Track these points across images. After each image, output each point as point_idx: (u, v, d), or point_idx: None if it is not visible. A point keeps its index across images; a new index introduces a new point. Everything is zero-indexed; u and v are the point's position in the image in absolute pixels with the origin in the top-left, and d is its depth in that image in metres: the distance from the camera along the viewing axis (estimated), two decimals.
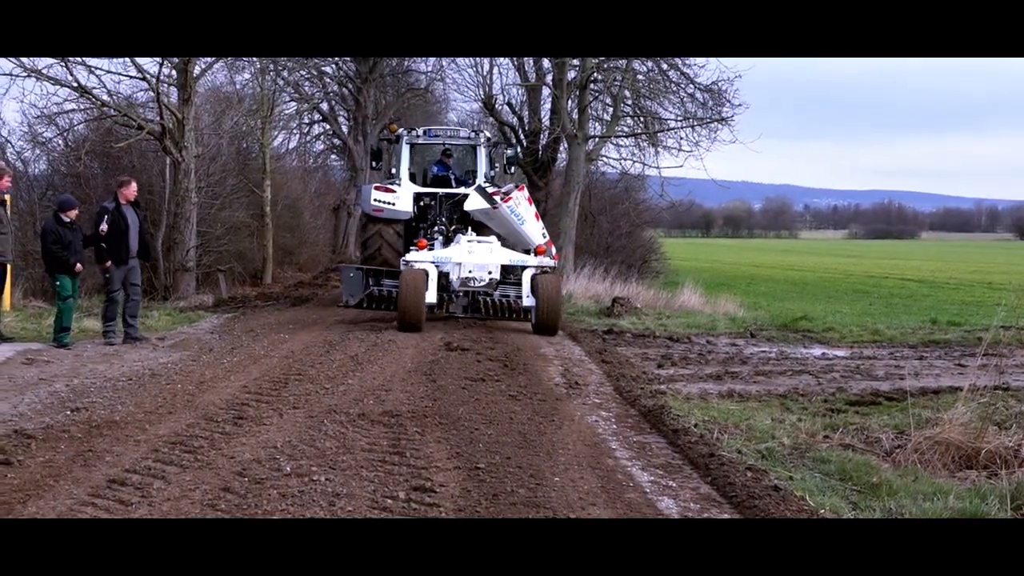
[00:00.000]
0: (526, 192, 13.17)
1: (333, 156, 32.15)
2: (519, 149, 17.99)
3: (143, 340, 9.43)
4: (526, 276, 11.47)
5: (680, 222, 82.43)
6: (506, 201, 12.67)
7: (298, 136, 29.62)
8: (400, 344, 9.39)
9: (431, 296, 11.10)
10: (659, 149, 19.68)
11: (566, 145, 20.45)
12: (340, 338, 9.90)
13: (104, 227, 9.28)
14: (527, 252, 12.25)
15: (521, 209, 12.68)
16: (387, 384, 7.14)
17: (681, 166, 21.51)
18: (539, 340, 10.63)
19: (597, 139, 19.59)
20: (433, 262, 11.46)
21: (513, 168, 15.36)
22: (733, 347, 10.94)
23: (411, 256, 11.60)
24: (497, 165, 14.82)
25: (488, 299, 12.03)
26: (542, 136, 21.66)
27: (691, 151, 19.33)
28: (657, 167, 20.17)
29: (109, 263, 9.36)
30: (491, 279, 11.61)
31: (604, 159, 21.34)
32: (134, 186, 9.64)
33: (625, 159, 21.12)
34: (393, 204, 13.35)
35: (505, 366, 8.30)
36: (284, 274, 22.38)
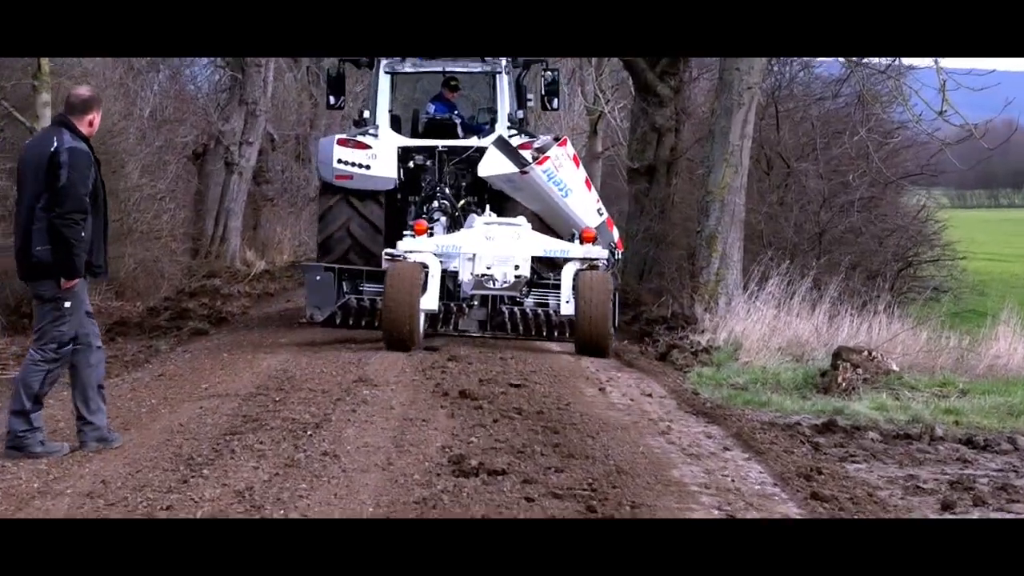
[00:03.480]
0: (570, 147, 17.11)
1: None
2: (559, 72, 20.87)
3: (112, 441, 10.36)
4: (567, 273, 16.37)
5: (988, 174, 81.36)
6: (540, 163, 16.57)
7: None
8: (349, 461, 9.68)
9: (430, 301, 16.00)
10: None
11: None
12: (207, 462, 10.03)
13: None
14: (572, 238, 16.94)
15: (564, 174, 16.68)
16: None
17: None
18: (669, 450, 11.07)
19: None
20: (435, 253, 16.22)
21: (556, 102, 19.72)
22: None
23: (404, 245, 16.26)
24: (531, 99, 19.25)
25: (517, 309, 16.69)
26: None
27: None
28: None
29: (76, 280, 10.17)
30: (518, 279, 16.42)
31: None
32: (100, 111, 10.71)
33: None
34: (367, 167, 17.80)
35: (588, 508, 8.60)
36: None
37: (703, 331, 18.28)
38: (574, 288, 15.98)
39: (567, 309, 16.14)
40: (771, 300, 18.39)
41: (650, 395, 14.10)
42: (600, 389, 14.04)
